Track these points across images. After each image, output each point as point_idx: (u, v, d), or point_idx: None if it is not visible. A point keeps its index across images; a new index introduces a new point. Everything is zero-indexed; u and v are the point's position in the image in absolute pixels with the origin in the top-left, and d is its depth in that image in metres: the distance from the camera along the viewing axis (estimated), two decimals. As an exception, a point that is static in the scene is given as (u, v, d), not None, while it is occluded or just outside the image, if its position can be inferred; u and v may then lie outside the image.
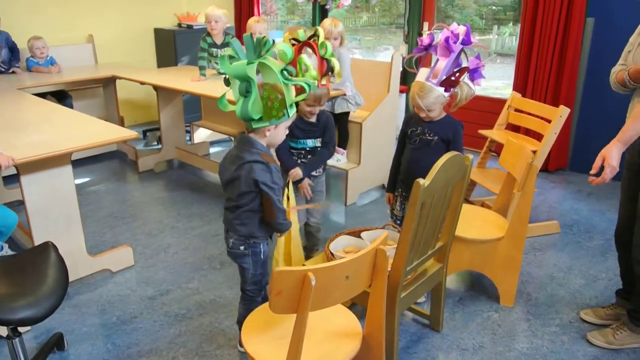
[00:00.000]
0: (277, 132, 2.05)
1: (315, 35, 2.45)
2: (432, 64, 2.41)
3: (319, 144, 2.79)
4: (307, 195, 2.79)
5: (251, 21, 4.17)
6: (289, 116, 1.99)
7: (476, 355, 2.35)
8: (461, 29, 2.34)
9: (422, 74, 2.42)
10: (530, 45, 4.41)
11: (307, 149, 2.77)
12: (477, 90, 2.50)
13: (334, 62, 2.44)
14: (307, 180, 2.75)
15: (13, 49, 4.72)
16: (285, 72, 1.92)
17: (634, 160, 2.28)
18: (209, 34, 4.29)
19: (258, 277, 2.20)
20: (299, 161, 2.77)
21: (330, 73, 2.50)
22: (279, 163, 2.10)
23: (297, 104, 2.46)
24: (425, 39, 2.45)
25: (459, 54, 2.37)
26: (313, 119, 2.72)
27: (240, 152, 2.03)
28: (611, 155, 2.04)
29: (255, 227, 2.10)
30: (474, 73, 2.40)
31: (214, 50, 4.31)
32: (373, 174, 4.05)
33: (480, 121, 4.63)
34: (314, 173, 2.81)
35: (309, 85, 2.02)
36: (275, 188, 2.01)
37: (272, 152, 2.24)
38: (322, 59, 2.45)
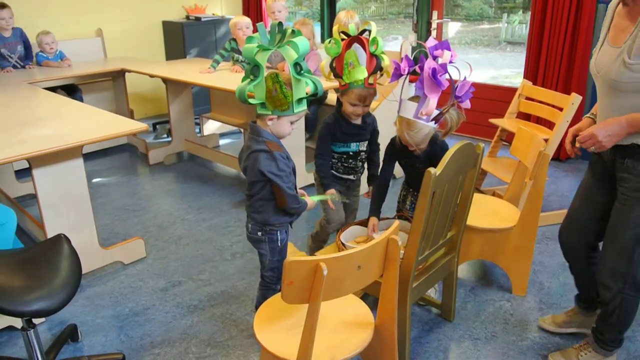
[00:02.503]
0: (280, 125, 2.02)
1: (366, 30, 2.32)
2: (421, 100, 2.10)
3: (363, 148, 2.55)
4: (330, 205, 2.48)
5: (269, 0, 4.14)
6: (293, 111, 1.97)
7: (488, 345, 2.34)
8: (446, 55, 2.04)
9: (408, 108, 2.14)
10: (541, 32, 4.37)
11: (350, 153, 2.53)
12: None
13: (385, 58, 2.31)
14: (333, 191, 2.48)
15: (27, 46, 4.75)
16: (297, 67, 1.91)
17: (599, 164, 2.02)
18: (235, 40, 4.29)
19: (275, 263, 2.21)
20: (339, 164, 2.57)
21: (379, 72, 2.31)
22: (284, 150, 2.06)
23: (340, 104, 2.39)
24: (403, 65, 2.15)
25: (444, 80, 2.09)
26: (358, 121, 2.47)
27: (249, 141, 2.05)
28: (609, 143, 1.79)
29: (269, 215, 2.11)
30: (462, 97, 2.16)
31: (237, 55, 4.31)
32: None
33: (491, 110, 4.61)
34: (351, 177, 2.63)
35: (315, 86, 1.98)
36: (282, 175, 2.00)
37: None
38: (372, 55, 2.30)
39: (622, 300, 1.98)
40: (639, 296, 1.99)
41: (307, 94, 1.98)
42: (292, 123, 2.05)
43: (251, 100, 1.94)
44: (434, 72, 2.00)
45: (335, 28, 2.32)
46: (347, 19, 3.63)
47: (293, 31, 1.95)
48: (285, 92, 1.91)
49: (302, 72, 1.92)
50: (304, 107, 2.01)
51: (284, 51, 1.90)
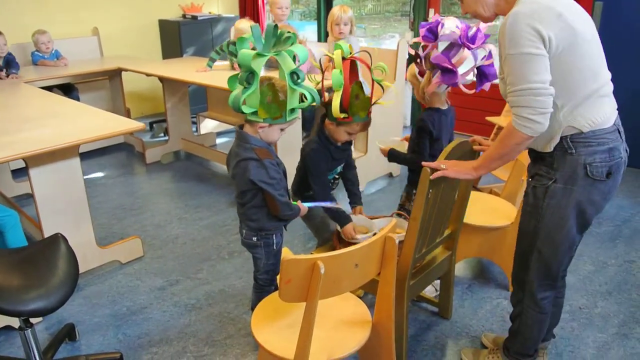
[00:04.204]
0: (270, 132, 1.99)
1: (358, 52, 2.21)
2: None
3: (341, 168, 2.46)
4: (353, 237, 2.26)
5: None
6: (286, 120, 1.95)
7: (486, 342, 2.35)
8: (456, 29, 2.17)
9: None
10: (538, 30, 4.36)
11: (336, 176, 2.44)
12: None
13: (387, 86, 2.22)
14: (351, 224, 2.28)
15: (9, 60, 4.41)
16: (294, 76, 1.88)
17: (527, 194, 1.89)
18: (234, 44, 4.25)
19: (270, 267, 2.20)
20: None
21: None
22: (274, 156, 2.01)
23: (335, 132, 2.23)
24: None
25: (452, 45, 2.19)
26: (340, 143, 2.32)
27: (237, 148, 2.01)
28: (453, 173, 1.83)
29: (264, 221, 2.09)
30: (446, 74, 2.18)
31: (234, 59, 4.30)
32: (380, 163, 4.03)
33: (488, 108, 4.62)
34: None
35: (312, 97, 1.95)
36: (273, 183, 1.97)
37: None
38: (374, 82, 2.21)
39: (522, 310, 1.96)
40: (538, 312, 1.93)
41: (304, 101, 1.95)
42: (282, 130, 2.03)
43: (244, 109, 1.88)
44: (432, 30, 2.16)
45: (330, 47, 2.20)
46: (341, 13, 3.64)
47: (288, 37, 1.91)
48: (280, 101, 1.89)
49: (299, 81, 1.89)
50: (296, 114, 1.99)
51: (281, 59, 1.86)
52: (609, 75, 1.73)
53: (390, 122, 3.98)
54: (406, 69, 4.01)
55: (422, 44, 2.25)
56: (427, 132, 2.37)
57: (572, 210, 1.72)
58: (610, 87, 1.72)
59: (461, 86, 2.22)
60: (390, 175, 4.24)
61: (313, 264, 1.45)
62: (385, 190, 4.04)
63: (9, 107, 3.20)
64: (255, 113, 1.91)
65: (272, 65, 2.95)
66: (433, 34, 2.18)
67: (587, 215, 1.75)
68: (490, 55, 2.24)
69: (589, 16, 1.73)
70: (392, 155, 2.50)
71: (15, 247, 2.19)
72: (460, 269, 2.92)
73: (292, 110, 1.95)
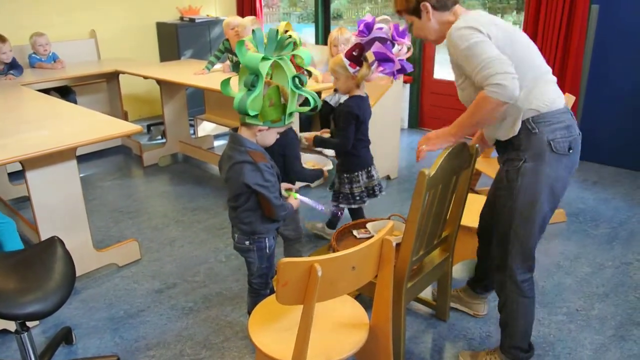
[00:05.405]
0: (268, 135, 2.01)
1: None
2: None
3: None
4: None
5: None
6: (284, 123, 1.98)
7: (483, 344, 2.35)
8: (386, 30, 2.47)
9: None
10: (535, 33, 4.38)
11: None
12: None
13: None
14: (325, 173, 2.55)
15: (14, 65, 4.52)
16: (296, 80, 1.90)
17: (500, 180, 1.99)
18: (228, 40, 4.26)
19: (264, 270, 2.20)
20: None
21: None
22: (268, 160, 2.02)
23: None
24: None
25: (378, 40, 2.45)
26: None
27: (230, 151, 2.02)
28: (436, 144, 1.97)
29: (257, 225, 2.09)
30: (385, 63, 2.46)
31: (232, 56, 4.31)
32: (378, 164, 4.03)
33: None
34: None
35: (314, 99, 1.98)
36: (268, 186, 1.98)
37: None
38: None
39: (507, 297, 2.02)
40: (521, 296, 1.98)
41: (307, 105, 1.99)
42: (278, 133, 2.05)
43: (251, 112, 1.88)
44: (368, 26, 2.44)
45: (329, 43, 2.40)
46: (338, 35, 3.81)
47: (290, 42, 1.92)
48: (281, 105, 1.91)
49: (302, 85, 1.91)
50: (293, 118, 2.03)
51: (284, 63, 1.88)
52: (549, 68, 1.94)
53: (387, 124, 3.98)
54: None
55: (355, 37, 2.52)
56: (354, 116, 2.62)
57: (543, 187, 1.85)
58: (554, 77, 1.93)
59: (379, 75, 2.58)
60: (388, 177, 4.24)
61: (310, 267, 1.45)
62: (384, 191, 4.02)
63: (6, 109, 3.20)
64: (255, 116, 1.92)
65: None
66: (368, 30, 2.43)
67: (557, 190, 1.88)
68: (406, 51, 2.54)
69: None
70: (319, 141, 2.73)
71: (11, 251, 2.19)
72: (458, 271, 2.92)
73: (290, 114, 1.97)
